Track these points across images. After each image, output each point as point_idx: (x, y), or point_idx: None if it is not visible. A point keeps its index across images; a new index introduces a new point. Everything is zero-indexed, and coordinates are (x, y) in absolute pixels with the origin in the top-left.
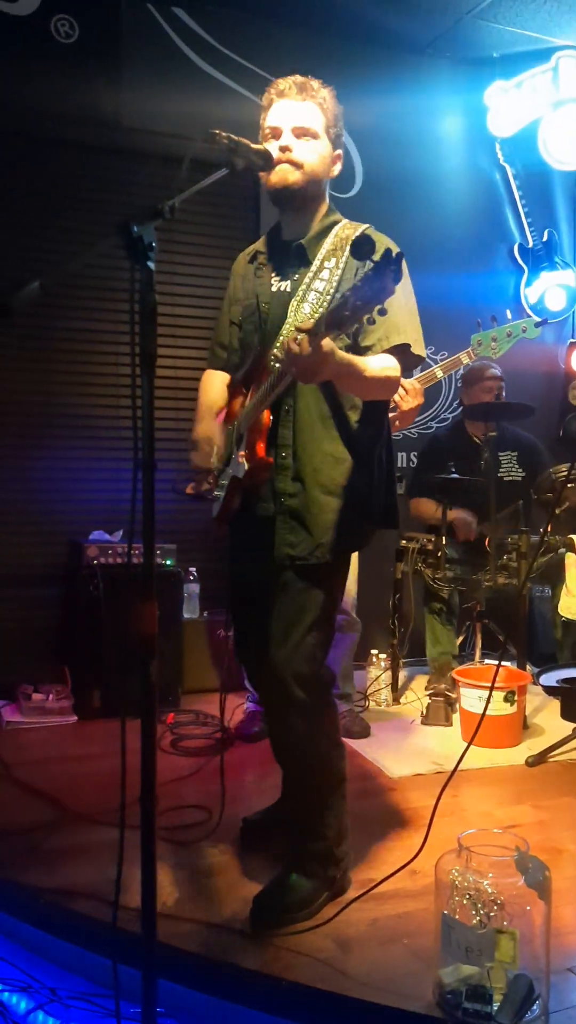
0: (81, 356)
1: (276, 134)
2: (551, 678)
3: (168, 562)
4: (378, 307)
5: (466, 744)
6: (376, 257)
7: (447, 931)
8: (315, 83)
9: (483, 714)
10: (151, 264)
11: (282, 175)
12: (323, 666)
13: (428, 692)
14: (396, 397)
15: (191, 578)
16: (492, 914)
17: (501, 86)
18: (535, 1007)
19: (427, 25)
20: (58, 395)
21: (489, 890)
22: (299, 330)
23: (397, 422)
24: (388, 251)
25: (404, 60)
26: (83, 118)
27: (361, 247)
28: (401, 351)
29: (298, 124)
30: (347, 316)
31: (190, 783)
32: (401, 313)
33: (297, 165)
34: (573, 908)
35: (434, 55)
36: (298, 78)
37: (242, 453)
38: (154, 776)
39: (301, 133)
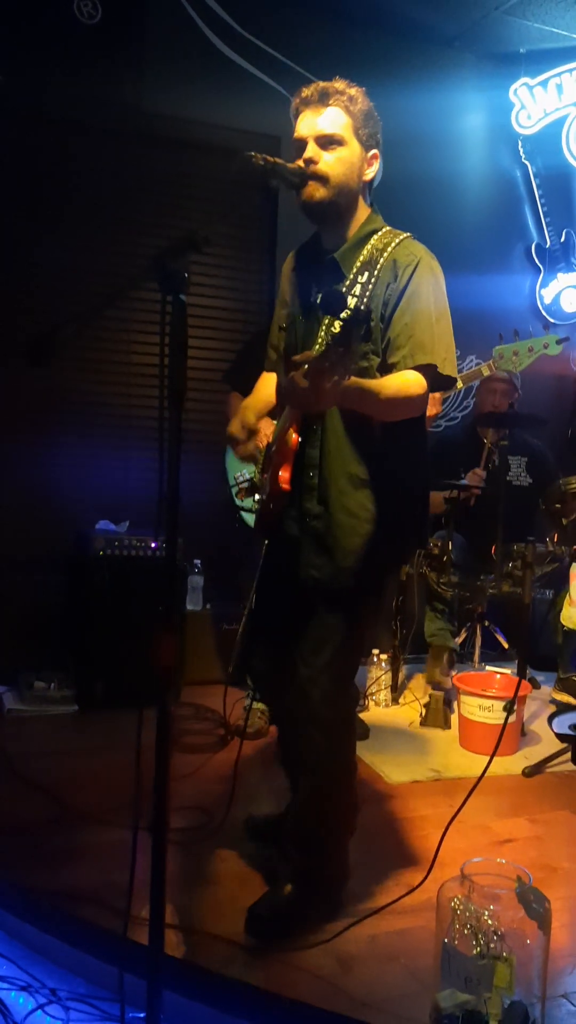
0: (91, 343)
1: (301, 147)
2: (563, 723)
3: None
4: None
5: (461, 753)
6: (344, 315)
7: (447, 959)
8: (340, 84)
9: (492, 755)
10: (183, 297)
11: (309, 192)
12: (350, 686)
13: (428, 682)
14: None
15: (195, 570)
16: (492, 944)
17: (527, 83)
18: None
19: (455, 18)
20: (68, 383)
21: (490, 921)
22: (294, 362)
23: None
24: (357, 309)
25: (429, 52)
26: (104, 101)
27: (331, 304)
28: (428, 370)
29: (322, 133)
30: (327, 367)
31: (189, 782)
32: (428, 332)
33: (323, 179)
34: (567, 931)
35: (460, 48)
36: (322, 84)
37: (266, 475)
38: (166, 816)
39: (326, 142)
